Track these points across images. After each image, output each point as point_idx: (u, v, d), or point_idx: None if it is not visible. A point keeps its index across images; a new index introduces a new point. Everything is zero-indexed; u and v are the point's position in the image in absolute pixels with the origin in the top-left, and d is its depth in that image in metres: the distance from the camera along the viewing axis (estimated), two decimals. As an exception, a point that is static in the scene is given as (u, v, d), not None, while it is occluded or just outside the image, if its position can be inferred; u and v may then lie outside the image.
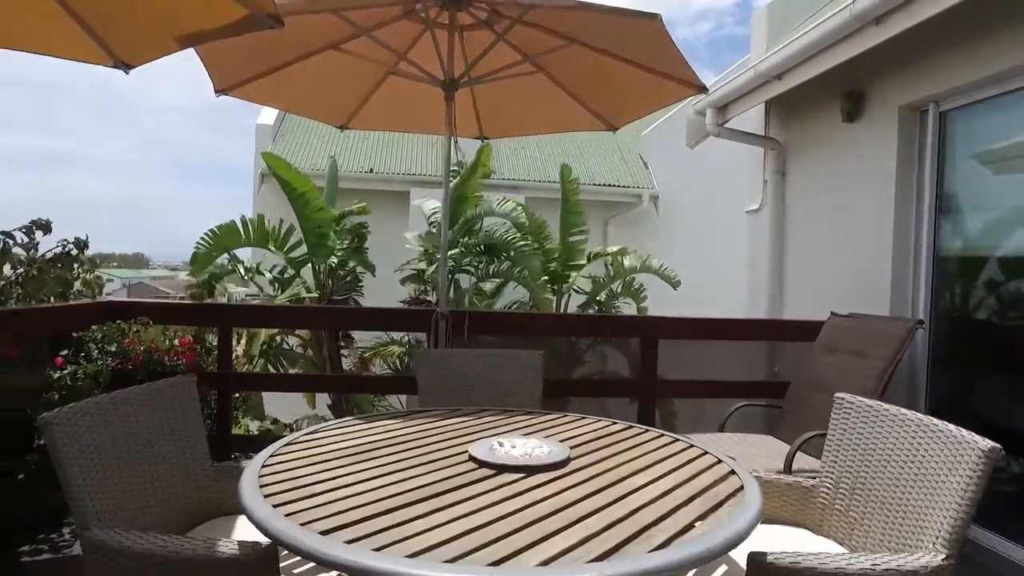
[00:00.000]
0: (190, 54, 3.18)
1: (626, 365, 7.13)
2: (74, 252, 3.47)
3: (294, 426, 6.37)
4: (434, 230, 8.20)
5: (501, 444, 2.20)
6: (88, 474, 1.87)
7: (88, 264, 3.67)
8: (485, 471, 1.99)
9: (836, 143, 5.01)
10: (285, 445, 2.23)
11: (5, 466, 2.97)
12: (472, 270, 7.85)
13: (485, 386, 3.25)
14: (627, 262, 8.85)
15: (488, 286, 8.21)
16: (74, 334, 3.50)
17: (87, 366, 3.25)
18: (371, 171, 10.25)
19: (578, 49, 3.73)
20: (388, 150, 10.95)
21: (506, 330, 4.62)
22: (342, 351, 7.76)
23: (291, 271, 7.31)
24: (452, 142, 3.94)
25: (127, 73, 2.85)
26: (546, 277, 7.82)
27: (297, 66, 4.09)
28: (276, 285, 7.01)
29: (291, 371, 7.16)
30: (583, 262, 8.45)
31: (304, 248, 7.52)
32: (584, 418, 2.73)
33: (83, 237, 3.52)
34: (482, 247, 7.74)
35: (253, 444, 3.90)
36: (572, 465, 2.08)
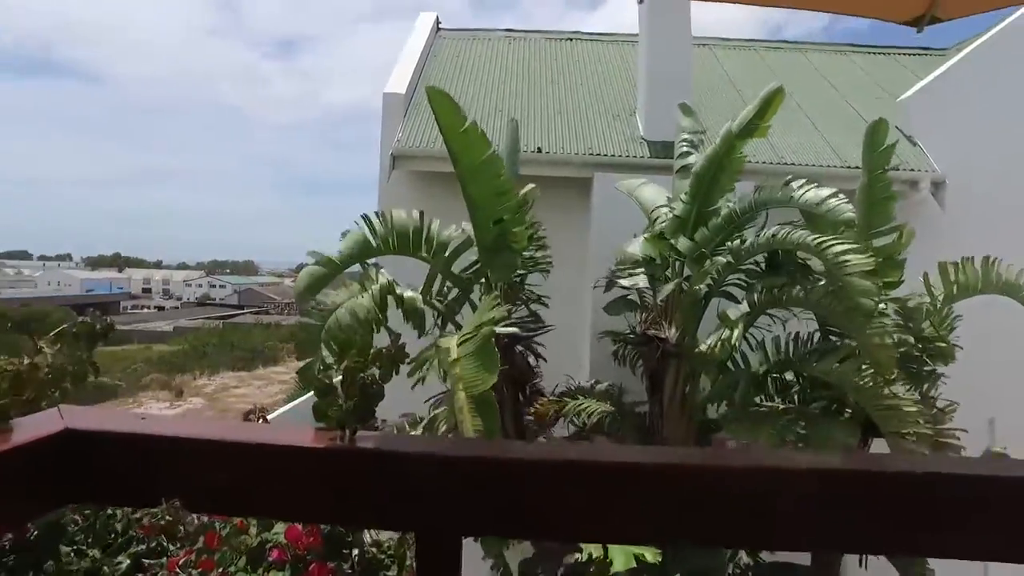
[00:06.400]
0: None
1: None
2: None
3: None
4: (661, 224, 5.32)
5: None
6: None
7: None
8: None
9: None
10: None
11: None
12: (743, 291, 4.92)
13: None
14: (963, 277, 5.67)
15: (736, 311, 5.23)
16: None
17: None
18: (539, 151, 7.51)
19: None
20: (560, 124, 8.19)
21: None
22: (527, 416, 5.00)
23: (454, 290, 4.60)
24: None
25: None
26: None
27: None
28: (436, 316, 4.31)
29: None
30: (899, 278, 5.35)
31: (468, 255, 4.82)
32: None
33: None
34: (764, 258, 4.79)
35: None
36: None
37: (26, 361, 1.19)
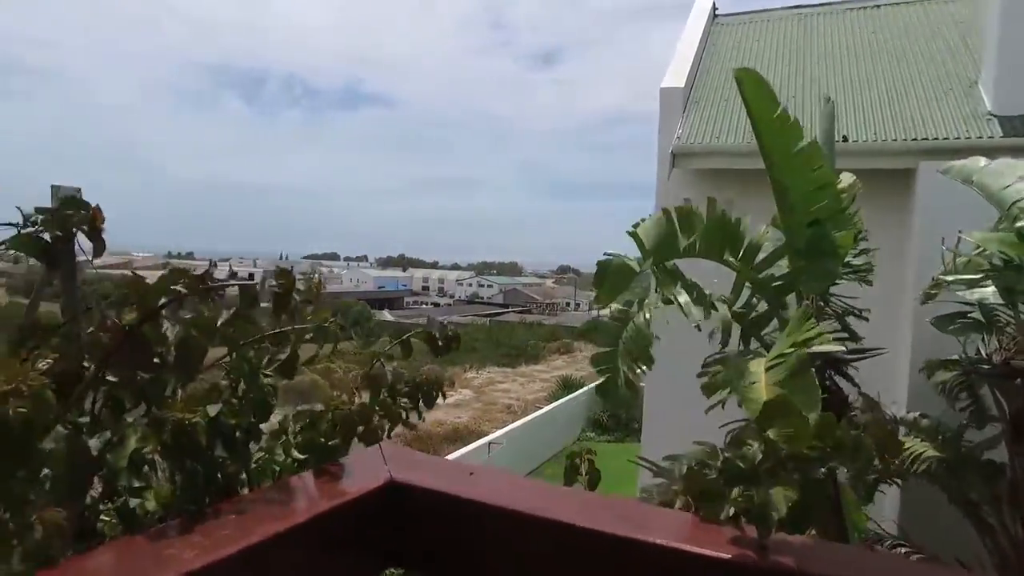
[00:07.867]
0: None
1: None
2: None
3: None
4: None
5: None
6: None
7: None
8: None
9: None
10: None
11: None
12: None
13: None
14: None
15: None
16: None
17: None
18: (845, 140, 6.50)
19: None
20: (871, 107, 7.03)
21: None
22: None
23: (761, 303, 3.96)
24: None
25: None
26: None
27: None
28: (740, 331, 3.73)
29: None
30: None
31: (775, 263, 4.16)
32: None
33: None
34: None
35: None
36: None
37: (357, 402, 0.98)
